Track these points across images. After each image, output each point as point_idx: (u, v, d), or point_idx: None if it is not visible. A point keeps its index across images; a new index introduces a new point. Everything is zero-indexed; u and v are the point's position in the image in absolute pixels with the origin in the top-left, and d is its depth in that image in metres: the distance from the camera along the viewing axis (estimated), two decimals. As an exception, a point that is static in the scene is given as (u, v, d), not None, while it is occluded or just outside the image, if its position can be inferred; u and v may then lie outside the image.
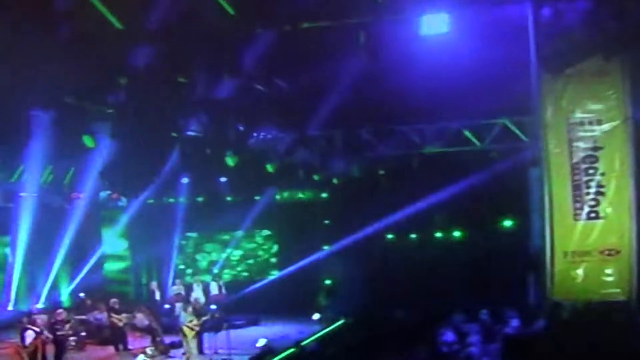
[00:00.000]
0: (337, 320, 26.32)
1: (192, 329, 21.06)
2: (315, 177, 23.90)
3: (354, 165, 25.50)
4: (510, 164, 22.90)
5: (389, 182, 26.75)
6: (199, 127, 16.75)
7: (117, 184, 15.14)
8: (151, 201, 29.92)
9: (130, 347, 23.23)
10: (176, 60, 13.97)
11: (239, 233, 31.05)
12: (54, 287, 29.11)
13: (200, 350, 21.97)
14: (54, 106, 13.02)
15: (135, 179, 13.78)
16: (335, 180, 26.85)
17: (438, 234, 29.15)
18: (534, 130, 18.09)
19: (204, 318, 21.56)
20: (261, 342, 21.78)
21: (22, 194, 25.42)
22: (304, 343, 22.52)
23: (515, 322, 19.10)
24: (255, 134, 20.06)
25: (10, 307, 27.78)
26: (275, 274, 30.67)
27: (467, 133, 23.35)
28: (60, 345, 20.28)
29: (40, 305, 27.74)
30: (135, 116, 12.88)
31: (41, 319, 23.38)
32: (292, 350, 21.30)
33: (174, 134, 14.63)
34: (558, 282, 16.66)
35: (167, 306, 26.92)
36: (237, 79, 16.94)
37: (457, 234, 29.15)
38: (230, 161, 17.60)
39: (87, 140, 12.70)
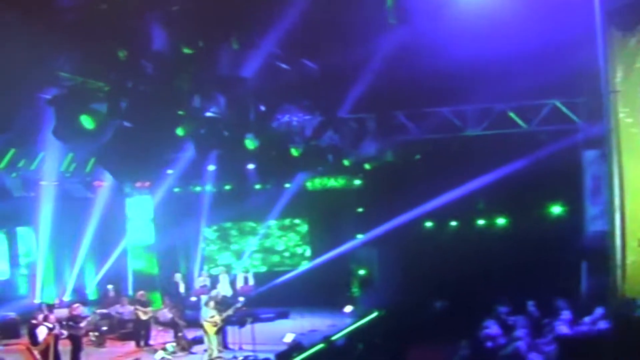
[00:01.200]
0: (371, 313, 24.91)
1: (213, 325, 19.83)
2: (346, 162, 22.42)
3: (388, 149, 24.00)
4: (561, 147, 21.34)
5: (426, 167, 25.18)
6: (217, 107, 15.32)
7: (115, 170, 13.76)
8: (177, 190, 28.83)
9: (151, 342, 22.07)
10: (186, 30, 12.61)
11: (268, 222, 29.66)
12: (80, 279, 28.06)
13: (224, 346, 20.78)
14: (52, 85, 11.66)
15: (135, 165, 12.40)
16: (367, 166, 25.33)
17: (480, 222, 27.42)
18: (590, 108, 16.39)
19: (227, 313, 20.27)
20: (288, 338, 20.41)
21: (42, 182, 24.29)
22: (334, 338, 21.29)
23: (566, 315, 17.70)
24: (279, 117, 18.64)
25: (36, 300, 26.69)
26: (305, 265, 29.19)
27: (512, 115, 21.85)
28: (75, 341, 19.09)
29: (67, 298, 26.72)
30: (135, 93, 11.51)
31: (61, 313, 22.63)
32: (321, 346, 20.07)
33: (182, 113, 13.13)
34: (630, 276, 14.68)
35: (193, 299, 25.73)
36: (258, 56, 15.62)
37: (500, 221, 27.45)
38: (250, 144, 16.17)
39: (85, 121, 11.35)
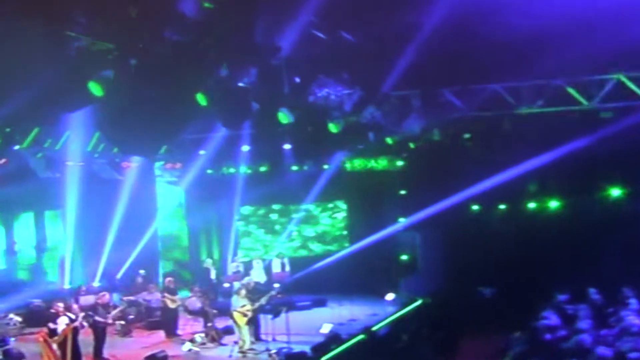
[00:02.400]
0: (414, 301, 23.69)
1: (244, 315, 18.55)
2: (389, 141, 20.93)
3: (434, 128, 22.45)
4: (624, 125, 19.64)
5: (475, 147, 23.60)
6: (247, 77, 13.86)
7: (120, 142, 12.42)
8: (210, 171, 27.62)
9: (180, 332, 20.84)
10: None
11: (305, 205, 28.23)
12: (109, 264, 26.92)
13: (257, 337, 19.44)
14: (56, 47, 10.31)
15: (144, 137, 11.03)
16: (412, 145, 23.77)
17: (531, 205, 25.71)
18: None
19: (260, 302, 18.93)
20: (325, 328, 19.06)
21: (68, 162, 23.13)
22: (375, 328, 20.01)
23: (635, 304, 16.32)
24: (315, 91, 17.14)
25: (66, 286, 25.66)
26: (345, 250, 27.67)
27: (571, 90, 20.18)
28: (98, 332, 17.89)
29: (96, 284, 25.62)
30: (147, 54, 10.11)
31: (87, 300, 21.50)
32: (361, 337, 18.81)
33: (201, 83, 11.70)
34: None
35: (226, 285, 24.52)
36: (293, 22, 14.19)
37: (553, 204, 25.75)
38: (283, 118, 14.72)
39: (93, 88, 10.01)
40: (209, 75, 11.93)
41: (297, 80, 15.49)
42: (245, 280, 21.03)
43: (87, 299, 21.93)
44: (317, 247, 28.69)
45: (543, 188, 26.00)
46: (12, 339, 17.59)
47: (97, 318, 17.82)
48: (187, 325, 21.38)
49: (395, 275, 26.70)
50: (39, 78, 11.56)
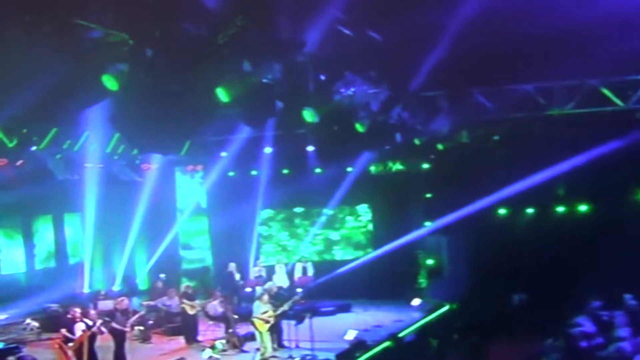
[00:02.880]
0: (441, 307, 22.93)
1: (265, 322, 17.96)
2: (416, 141, 20.28)
3: (462, 129, 21.79)
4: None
5: (505, 149, 22.90)
6: (270, 73, 13.26)
7: (138, 139, 11.82)
8: (231, 174, 27.06)
9: (200, 338, 20.27)
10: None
11: (329, 209, 27.57)
12: (130, 268, 26.42)
13: (279, 343, 18.81)
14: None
15: (163, 133, 10.42)
16: (440, 146, 23.05)
17: (559, 208, 24.91)
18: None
19: (282, 307, 18.31)
20: (350, 335, 18.45)
21: (86, 164, 22.65)
22: (402, 334, 19.34)
23: None
24: (341, 89, 16.52)
25: (85, 290, 25.17)
26: (369, 254, 26.97)
27: (606, 91, 19.46)
28: (118, 338, 17.31)
29: (116, 288, 25.16)
30: (164, 44, 9.51)
31: (106, 305, 21.00)
32: (387, 343, 18.18)
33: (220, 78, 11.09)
34: None
35: (247, 289, 23.91)
36: (318, 18, 13.59)
37: (582, 207, 24.96)
38: (308, 116, 14.10)
39: (108, 81, 9.45)
40: (230, 70, 11.31)
41: (323, 78, 14.85)
42: (268, 285, 20.40)
43: (106, 304, 21.49)
44: (340, 252, 27.99)
45: (572, 191, 25.22)
46: (24, 346, 16.99)
47: (115, 324, 17.23)
48: (208, 331, 20.84)
49: (421, 280, 26.05)
50: (51, 72, 11.05)
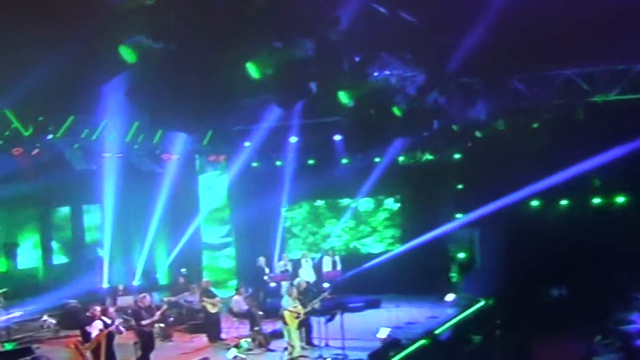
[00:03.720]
0: (476, 302, 21.80)
1: (295, 316, 16.80)
2: (454, 128, 19.21)
3: (500, 116, 20.69)
4: None
5: (544, 138, 21.77)
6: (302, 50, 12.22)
7: (155, 114, 10.82)
8: (255, 164, 26.00)
9: (223, 336, 19.25)
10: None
11: (356, 200, 26.45)
12: (150, 262, 25.46)
13: (309, 341, 17.75)
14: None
15: (182, 108, 9.41)
16: (478, 134, 21.93)
17: (596, 200, 23.67)
18: None
19: (312, 303, 17.24)
20: (383, 333, 17.34)
21: (105, 154, 21.71)
22: (437, 331, 18.31)
23: None
24: (376, 72, 15.49)
25: (105, 285, 24.23)
26: (398, 247, 25.83)
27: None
28: (144, 338, 16.27)
29: (136, 283, 24.20)
30: (189, 11, 8.49)
31: (126, 301, 20.07)
32: (422, 342, 17.11)
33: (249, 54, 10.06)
34: None
35: (272, 284, 22.88)
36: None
37: (620, 199, 23.73)
38: (344, 98, 13.05)
39: (125, 52, 8.43)
40: (260, 44, 10.26)
41: (357, 58, 13.81)
42: (297, 281, 19.34)
43: (126, 300, 20.63)
44: (368, 245, 26.86)
45: (609, 182, 24.04)
46: (37, 347, 15.97)
47: (144, 321, 16.20)
48: (232, 329, 19.80)
49: (452, 274, 24.93)
50: (66, 48, 10.08)
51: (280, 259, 23.90)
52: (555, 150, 21.76)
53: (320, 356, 16.88)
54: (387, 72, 15.76)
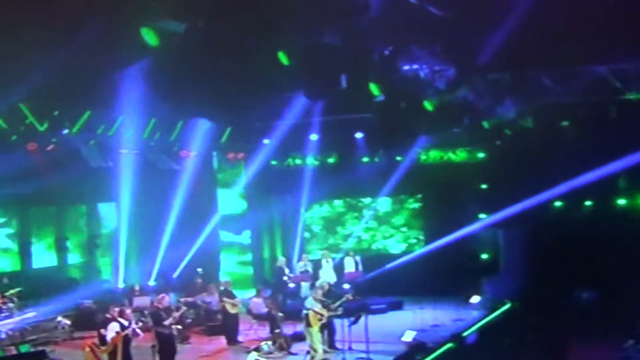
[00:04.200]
0: (502, 304, 21.04)
1: (319, 318, 16.09)
2: (485, 125, 18.54)
3: (529, 114, 20.02)
4: None
5: (574, 136, 21.08)
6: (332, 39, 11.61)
7: (177, 100, 10.20)
8: (274, 162, 25.33)
9: (241, 339, 18.59)
10: None
11: (377, 200, 25.73)
12: (165, 261, 24.82)
13: (331, 344, 17.01)
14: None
15: (212, 94, 8.79)
16: (507, 131, 21.23)
17: (620, 201, 22.87)
18: None
19: (335, 305, 16.53)
20: (408, 336, 16.68)
21: (122, 150, 21.12)
22: (465, 334, 17.66)
23: None
24: (405, 66, 14.85)
25: (120, 285, 23.65)
26: (421, 248, 25.07)
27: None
28: (165, 341, 15.51)
29: (152, 283, 23.58)
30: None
31: (142, 301, 19.46)
32: (449, 345, 16.44)
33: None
34: None
35: (291, 285, 22.20)
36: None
37: (621, 202, 23.56)
38: (375, 90, 12.42)
39: (147, 35, 7.82)
40: (291, 31, 9.62)
41: (387, 49, 13.15)
42: (320, 282, 18.65)
43: (142, 300, 20.01)
44: (389, 245, 26.13)
45: (634, 182, 23.37)
46: (51, 350, 15.33)
47: (163, 323, 15.53)
48: (251, 331, 19.18)
49: (476, 276, 24.14)
50: (83, 35, 9.46)
51: (300, 259, 23.18)
52: (585, 149, 21.13)
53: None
54: (416, 66, 15.08)
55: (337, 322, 17.13)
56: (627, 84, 19.20)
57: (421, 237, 25.98)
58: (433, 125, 16.72)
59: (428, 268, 23.54)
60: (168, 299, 16.64)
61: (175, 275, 25.73)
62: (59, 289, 22.40)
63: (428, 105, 14.47)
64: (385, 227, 26.27)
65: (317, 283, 18.69)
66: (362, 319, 16.44)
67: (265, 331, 18.77)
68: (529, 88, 19.68)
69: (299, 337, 17.84)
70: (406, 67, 14.89)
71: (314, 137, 23.90)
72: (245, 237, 26.47)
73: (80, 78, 15.65)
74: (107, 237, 24.56)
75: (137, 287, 21.20)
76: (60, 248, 23.46)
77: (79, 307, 20.57)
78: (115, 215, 24.09)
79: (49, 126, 18.89)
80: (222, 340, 18.72)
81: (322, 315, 16.22)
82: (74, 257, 24.07)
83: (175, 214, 23.60)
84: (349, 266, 22.66)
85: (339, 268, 22.68)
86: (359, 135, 24.00)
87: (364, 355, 16.28)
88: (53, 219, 23.43)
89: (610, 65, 19.11)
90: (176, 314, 16.02)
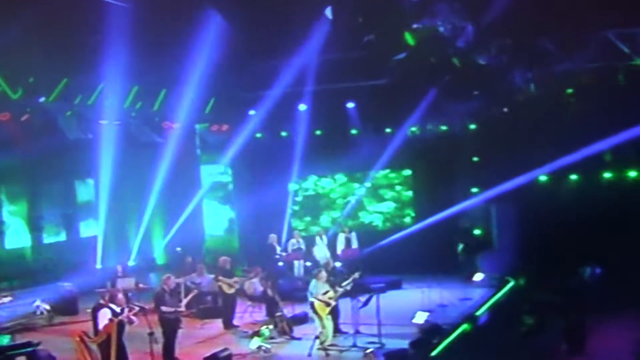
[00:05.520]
0: (506, 282, 19.52)
1: (327, 304, 14.42)
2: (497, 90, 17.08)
3: (534, 81, 18.57)
4: None
5: (580, 104, 19.66)
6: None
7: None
8: (259, 135, 23.44)
9: (236, 322, 16.82)
10: None
11: (366, 174, 23.97)
12: (146, 240, 22.93)
13: (336, 328, 15.21)
14: None
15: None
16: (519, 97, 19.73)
17: (632, 173, 21.39)
18: None
19: (344, 286, 14.87)
20: (420, 317, 15.10)
21: (101, 121, 19.13)
22: (477, 314, 16.25)
23: None
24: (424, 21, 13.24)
25: (98, 265, 21.75)
26: (415, 224, 23.37)
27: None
28: (170, 326, 13.82)
29: (131, 263, 21.71)
30: None
31: (124, 284, 17.62)
32: (464, 326, 14.86)
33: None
34: None
35: (280, 264, 20.47)
36: None
37: (632, 174, 21.40)
38: (409, 38, 10.84)
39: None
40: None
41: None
42: (323, 260, 16.99)
43: (126, 282, 18.20)
44: (380, 221, 24.41)
45: (622, 156, 21.80)
46: (37, 342, 13.32)
47: (166, 309, 13.74)
48: (246, 314, 17.43)
49: (471, 253, 22.59)
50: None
51: (291, 237, 21.39)
52: (590, 119, 19.60)
53: (354, 345, 14.56)
54: (438, 22, 13.45)
55: (341, 304, 15.44)
56: (636, 48, 17.67)
57: (412, 213, 24.28)
58: (458, 87, 15.10)
59: (424, 245, 21.80)
60: (174, 279, 14.81)
61: (155, 254, 23.98)
62: (34, 270, 20.58)
63: (456, 61, 12.88)
64: (377, 202, 24.50)
65: (320, 262, 17.03)
66: (373, 299, 14.79)
67: (261, 314, 17.11)
68: (532, 54, 18.17)
69: (298, 320, 16.24)
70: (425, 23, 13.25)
71: (302, 107, 22.12)
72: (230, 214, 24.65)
73: (57, 41, 13.89)
74: (84, 216, 22.57)
75: (119, 268, 19.28)
76: (35, 227, 21.44)
77: (58, 291, 18.62)
78: (93, 192, 22.14)
79: (23, 94, 16.83)
80: (217, 324, 16.99)
81: (329, 301, 14.51)
82: (50, 237, 22.03)
83: (157, 190, 21.77)
84: (342, 243, 20.96)
85: (332, 245, 20.98)
86: (350, 105, 22.27)
87: (375, 339, 14.64)
88: (27, 195, 21.34)
89: (618, 29, 17.74)
90: (187, 297, 14.27)
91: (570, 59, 18.58)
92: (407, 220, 24.12)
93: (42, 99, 17.15)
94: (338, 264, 19.39)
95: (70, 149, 19.47)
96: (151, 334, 12.75)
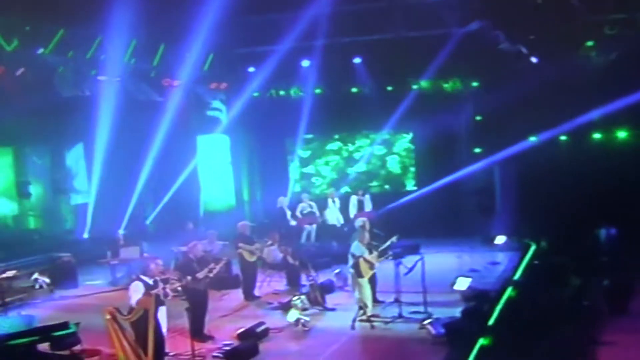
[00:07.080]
0: (529, 245, 18.16)
1: (371, 266, 12.81)
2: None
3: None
4: None
5: (602, 58, 18.35)
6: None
7: None
8: (256, 94, 21.58)
9: (256, 292, 15.08)
10: None
11: (368, 134, 22.43)
12: (139, 205, 20.94)
13: (374, 298, 13.53)
14: None
15: None
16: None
17: (596, 135, 20.14)
18: None
19: (382, 248, 13.30)
20: (462, 284, 13.67)
21: (100, 77, 17.10)
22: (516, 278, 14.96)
23: None
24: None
25: (85, 235, 19.82)
26: (413, 186, 21.98)
27: None
28: (198, 299, 11.95)
29: (121, 231, 19.73)
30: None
31: (129, 254, 15.91)
32: (509, 292, 13.46)
33: None
34: None
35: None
36: None
37: (621, 134, 20.23)
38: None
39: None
40: None
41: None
42: (360, 221, 15.36)
43: (130, 251, 16.45)
44: (384, 184, 22.81)
45: (611, 117, 20.52)
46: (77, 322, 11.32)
47: (198, 277, 11.95)
48: (264, 283, 15.67)
49: (480, 215, 21.23)
50: None
51: (301, 200, 19.62)
52: (612, 74, 18.27)
53: (399, 315, 12.96)
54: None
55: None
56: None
57: (413, 175, 22.72)
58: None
59: (427, 207, 20.49)
60: (201, 246, 12.99)
61: (148, 221, 22.05)
62: (23, 241, 18.57)
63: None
64: (377, 164, 22.85)
65: (357, 223, 15.41)
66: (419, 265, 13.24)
67: (281, 283, 15.49)
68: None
69: (327, 289, 14.63)
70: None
71: (305, 63, 20.38)
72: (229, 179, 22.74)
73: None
74: (73, 181, 20.54)
75: (121, 236, 17.40)
76: (22, 193, 19.35)
77: (55, 262, 16.68)
78: (82, 157, 20.10)
79: (19, 45, 14.71)
80: (236, 294, 15.19)
81: (372, 263, 12.94)
82: (38, 204, 19.96)
83: (153, 154, 19.83)
84: (355, 206, 19.34)
85: (344, 207, 19.36)
86: (357, 60, 20.59)
87: (420, 308, 13.09)
88: (12, 158, 19.22)
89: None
90: (217, 265, 12.49)
91: (591, 10, 17.19)
92: (407, 182, 22.59)
93: (39, 51, 15.03)
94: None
95: (62, 110, 17.41)
96: (189, 308, 11.07)
